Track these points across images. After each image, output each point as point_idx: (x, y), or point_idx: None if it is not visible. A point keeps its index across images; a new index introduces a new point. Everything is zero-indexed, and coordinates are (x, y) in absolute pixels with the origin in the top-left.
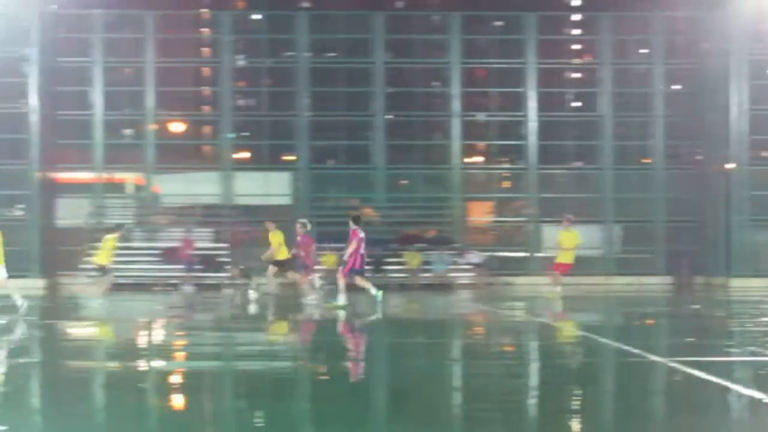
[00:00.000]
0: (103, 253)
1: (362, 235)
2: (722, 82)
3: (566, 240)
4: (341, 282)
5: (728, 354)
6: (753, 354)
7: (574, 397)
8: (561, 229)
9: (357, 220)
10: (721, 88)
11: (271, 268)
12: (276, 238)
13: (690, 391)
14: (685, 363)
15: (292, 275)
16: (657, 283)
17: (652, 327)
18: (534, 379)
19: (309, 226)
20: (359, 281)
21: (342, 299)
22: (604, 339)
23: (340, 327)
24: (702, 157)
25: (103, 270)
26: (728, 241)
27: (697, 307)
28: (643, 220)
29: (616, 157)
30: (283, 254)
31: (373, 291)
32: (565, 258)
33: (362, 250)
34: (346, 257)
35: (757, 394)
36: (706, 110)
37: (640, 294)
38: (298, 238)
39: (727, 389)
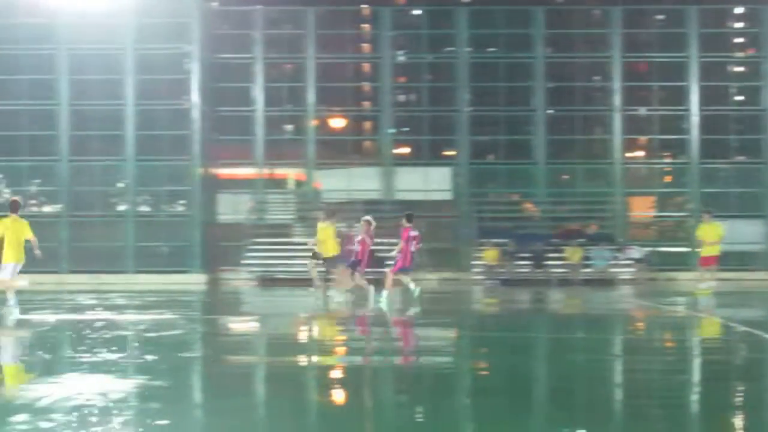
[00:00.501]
0: (330, 243)
1: (414, 233)
2: None
3: (708, 234)
4: (389, 280)
5: None
6: None
7: (734, 394)
8: (702, 223)
9: (410, 219)
10: None
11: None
12: (324, 232)
13: None
14: None
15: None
16: None
17: None
18: (693, 375)
19: (374, 224)
20: (403, 278)
21: (385, 296)
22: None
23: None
24: None
25: (332, 261)
26: None
27: None
28: None
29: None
30: (329, 250)
31: (412, 286)
32: (710, 251)
33: (413, 248)
34: (396, 254)
35: None
36: None
37: None
38: (361, 236)
39: None
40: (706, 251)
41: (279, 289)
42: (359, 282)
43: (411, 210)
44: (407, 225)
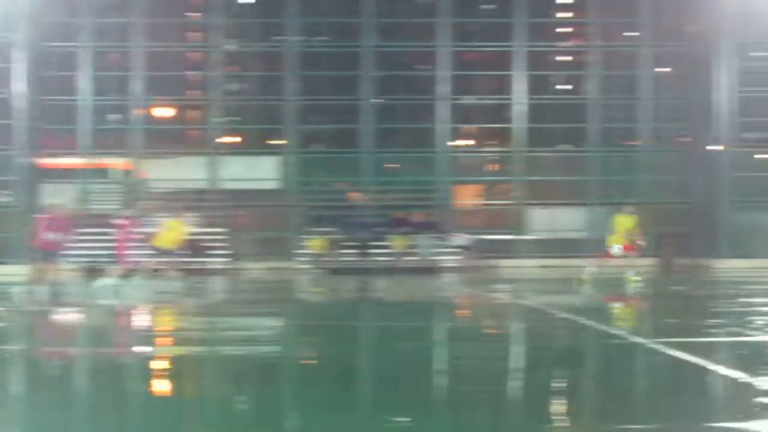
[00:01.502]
0: (168, 235)
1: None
2: (710, 64)
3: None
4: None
5: (709, 335)
6: (733, 334)
7: (556, 379)
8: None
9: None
10: (710, 70)
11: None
12: (170, 224)
13: (670, 372)
14: (666, 344)
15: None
16: (643, 265)
17: (634, 308)
18: (517, 362)
19: (71, 208)
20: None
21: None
22: (587, 321)
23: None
24: (689, 138)
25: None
26: (713, 223)
27: (679, 288)
28: (630, 202)
29: (603, 140)
30: (164, 241)
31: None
32: (620, 240)
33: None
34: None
35: (735, 374)
36: (693, 92)
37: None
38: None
39: (705, 369)
40: (617, 240)
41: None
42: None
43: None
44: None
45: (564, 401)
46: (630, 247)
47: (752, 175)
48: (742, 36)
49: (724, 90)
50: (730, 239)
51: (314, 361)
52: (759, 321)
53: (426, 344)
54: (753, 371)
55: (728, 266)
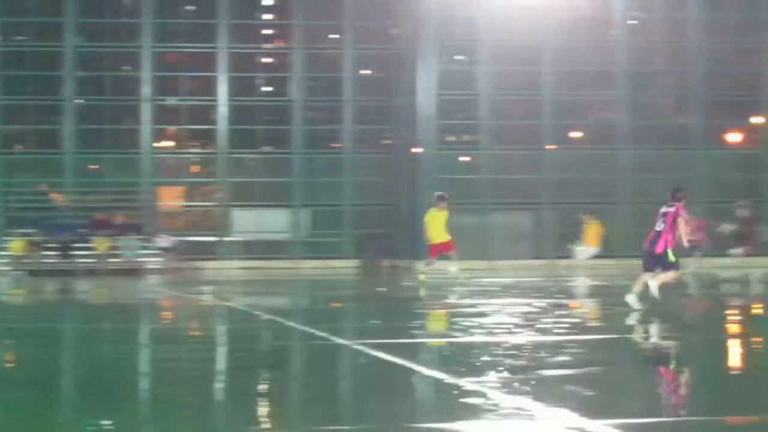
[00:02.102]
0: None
1: None
2: (411, 66)
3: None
4: None
5: (413, 336)
6: (436, 336)
7: (259, 381)
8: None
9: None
10: (411, 72)
11: None
12: None
13: (374, 373)
14: (370, 345)
15: None
16: (345, 266)
17: (339, 310)
18: (220, 364)
19: None
20: None
21: None
22: (291, 322)
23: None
24: (391, 141)
25: None
26: (414, 225)
27: (382, 289)
28: (332, 203)
29: (307, 142)
30: None
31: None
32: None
33: None
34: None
35: (439, 375)
36: (395, 94)
37: (328, 277)
38: None
39: (411, 370)
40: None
41: None
42: None
43: None
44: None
45: (266, 403)
46: (448, 246)
47: (454, 177)
48: (444, 39)
49: (426, 92)
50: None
51: (11, 365)
52: (463, 322)
53: (127, 347)
54: (457, 372)
55: (431, 267)
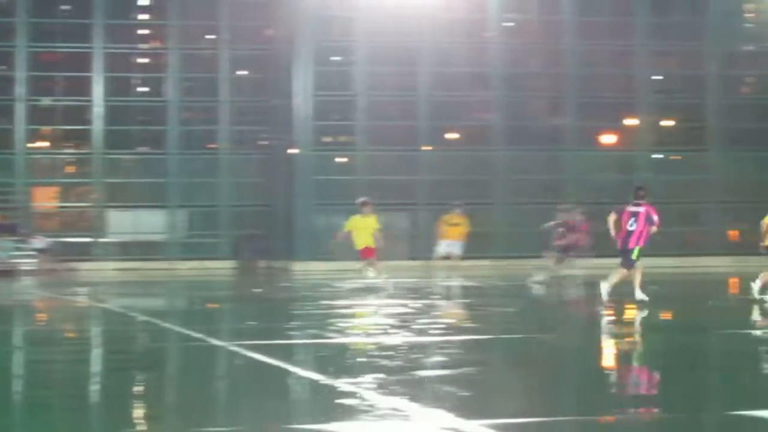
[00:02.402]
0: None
1: None
2: (288, 67)
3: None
4: None
5: (289, 337)
6: (313, 337)
7: (134, 383)
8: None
9: None
10: (288, 73)
11: None
12: None
13: (250, 374)
14: (246, 346)
15: None
16: (222, 267)
17: (215, 311)
18: (95, 366)
19: None
20: None
21: None
22: (167, 324)
23: None
24: (268, 142)
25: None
26: (291, 225)
27: (258, 290)
28: (209, 204)
29: (183, 142)
30: None
31: None
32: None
33: None
34: None
35: (315, 376)
36: (272, 96)
37: (205, 278)
38: None
39: (287, 371)
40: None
41: None
42: None
43: None
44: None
45: (141, 405)
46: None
47: (331, 178)
48: (320, 40)
49: (302, 94)
50: (310, 241)
51: None
52: (339, 323)
53: (1, 348)
54: (332, 373)
55: (308, 269)
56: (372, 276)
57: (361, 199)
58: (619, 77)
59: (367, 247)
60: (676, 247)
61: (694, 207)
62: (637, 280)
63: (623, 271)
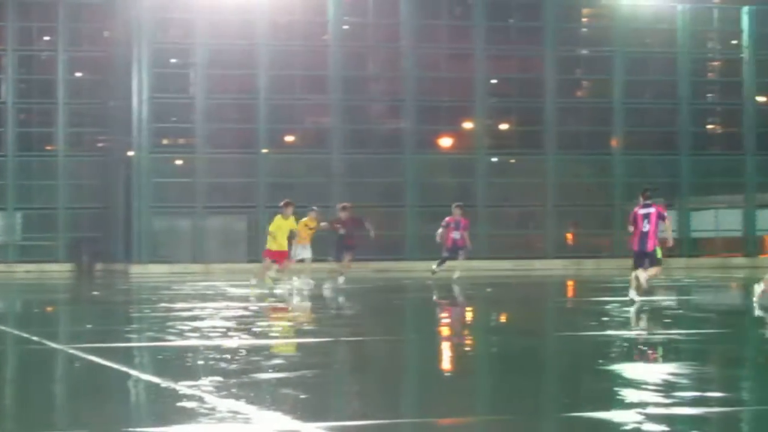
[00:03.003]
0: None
1: None
2: (126, 70)
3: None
4: None
5: (128, 340)
6: (152, 339)
7: None
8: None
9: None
10: (126, 76)
11: None
12: None
13: (89, 378)
14: (84, 349)
15: None
16: (59, 270)
17: (53, 314)
18: None
19: None
20: None
21: None
22: (3, 327)
23: None
24: (106, 144)
25: None
26: (129, 228)
27: (96, 293)
28: (46, 207)
29: (19, 144)
30: None
31: None
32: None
33: None
34: None
35: (155, 379)
36: (110, 98)
37: (42, 281)
38: None
39: (126, 375)
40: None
41: None
42: None
43: None
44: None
45: None
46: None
47: (169, 180)
48: (158, 43)
49: (140, 96)
50: (149, 244)
51: None
52: (179, 326)
53: None
54: (172, 376)
55: (147, 271)
56: (273, 278)
57: (284, 201)
58: (458, 81)
59: (280, 251)
60: (511, 249)
61: (531, 210)
62: (646, 278)
63: (652, 271)
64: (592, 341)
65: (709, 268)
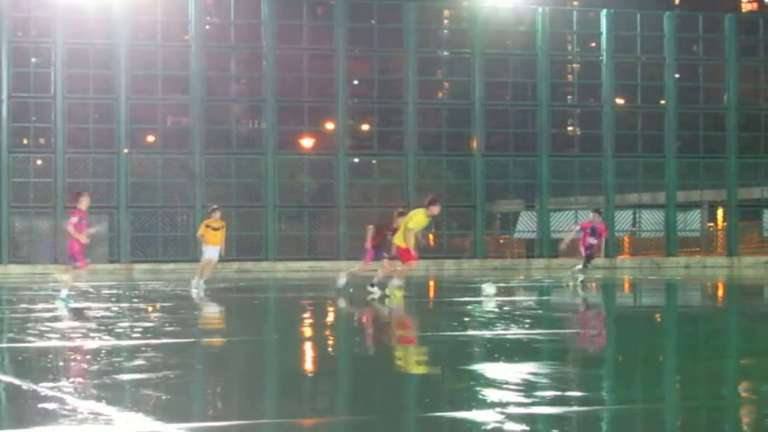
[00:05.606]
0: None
1: None
2: None
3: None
4: None
5: None
6: (11, 341)
7: None
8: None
9: None
10: None
11: None
12: None
13: None
14: None
15: None
16: None
17: None
18: None
19: None
20: None
21: None
22: None
23: None
24: None
25: None
26: None
27: None
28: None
29: None
30: None
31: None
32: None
33: None
34: None
35: (15, 381)
36: None
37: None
38: None
39: None
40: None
41: None
42: None
43: None
44: None
45: None
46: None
47: (28, 180)
48: (17, 42)
49: (0, 96)
50: (7, 244)
51: None
52: (39, 327)
53: None
54: (32, 377)
55: (8, 272)
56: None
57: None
58: (319, 81)
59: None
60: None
61: (391, 211)
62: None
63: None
64: (453, 342)
65: (570, 268)
